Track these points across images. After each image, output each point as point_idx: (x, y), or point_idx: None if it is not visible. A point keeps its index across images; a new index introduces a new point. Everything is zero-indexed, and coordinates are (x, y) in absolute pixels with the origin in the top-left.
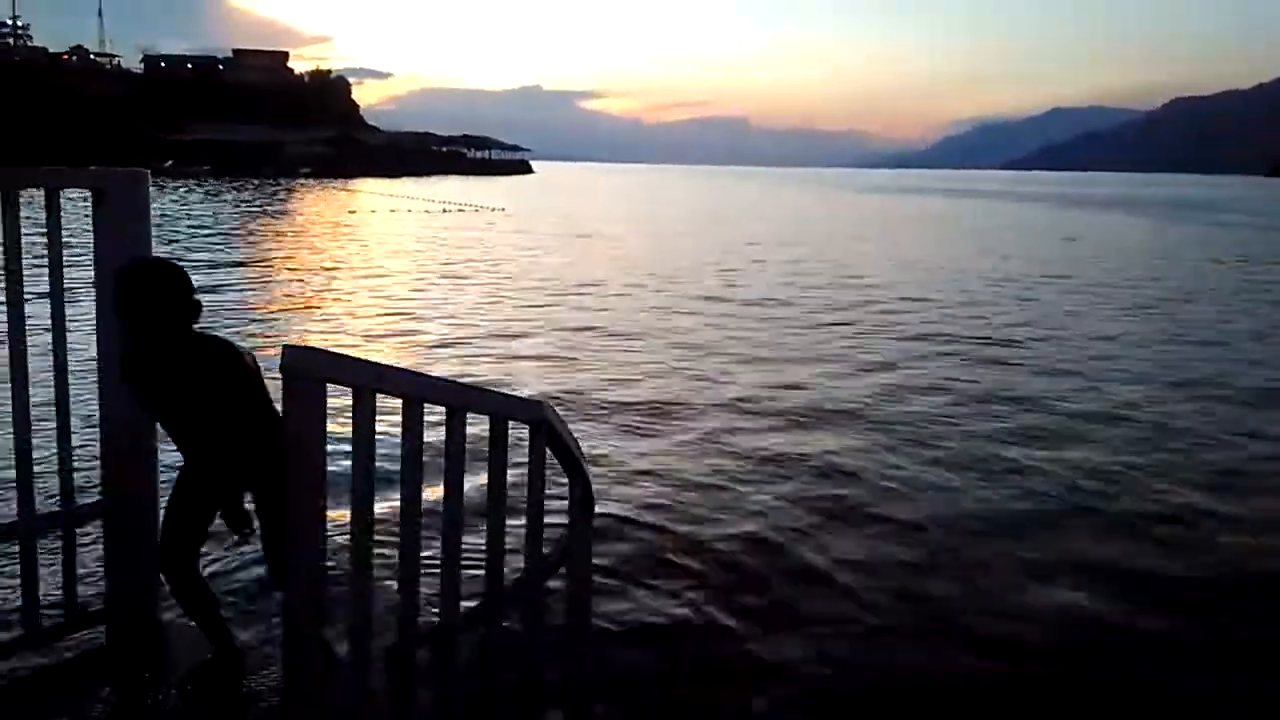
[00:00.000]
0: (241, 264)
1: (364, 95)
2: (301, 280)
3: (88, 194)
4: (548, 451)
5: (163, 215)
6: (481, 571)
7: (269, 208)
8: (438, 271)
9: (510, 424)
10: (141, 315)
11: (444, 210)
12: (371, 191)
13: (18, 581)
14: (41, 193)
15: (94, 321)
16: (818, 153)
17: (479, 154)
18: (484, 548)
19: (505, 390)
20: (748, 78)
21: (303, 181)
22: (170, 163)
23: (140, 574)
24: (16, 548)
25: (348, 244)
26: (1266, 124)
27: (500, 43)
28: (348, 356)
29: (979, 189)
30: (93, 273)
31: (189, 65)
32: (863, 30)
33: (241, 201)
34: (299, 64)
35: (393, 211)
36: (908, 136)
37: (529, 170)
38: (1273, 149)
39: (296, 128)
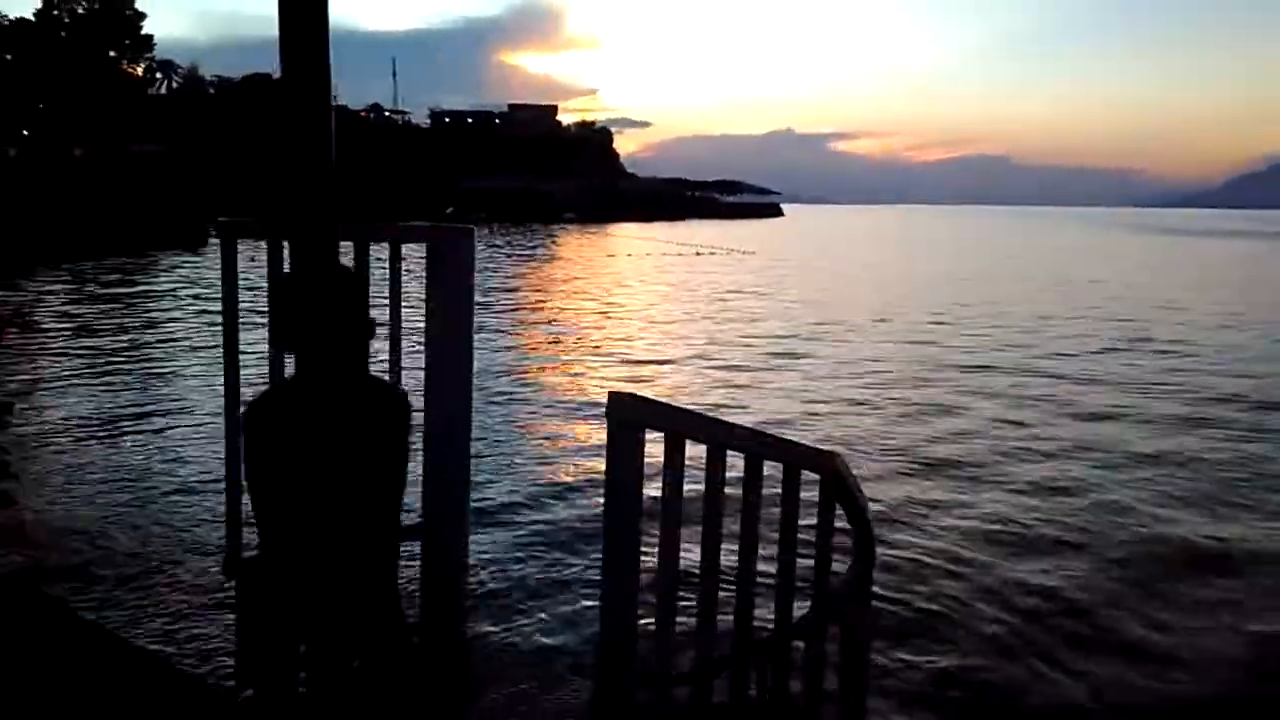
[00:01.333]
0: (516, 301)
1: (624, 144)
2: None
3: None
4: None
5: None
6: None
7: (538, 251)
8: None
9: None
10: (304, 338)
11: (696, 253)
12: (628, 235)
13: None
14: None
15: (423, 354)
16: (1084, 191)
17: (730, 198)
18: (771, 586)
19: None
20: (1008, 114)
21: (565, 227)
22: (451, 210)
23: (450, 591)
24: None
25: (615, 285)
26: None
27: (753, 89)
28: (664, 404)
29: None
30: (424, 314)
31: (469, 120)
32: (1135, 63)
33: (514, 244)
34: (566, 116)
35: (648, 255)
36: (1191, 174)
37: (779, 213)
38: None
39: (562, 176)
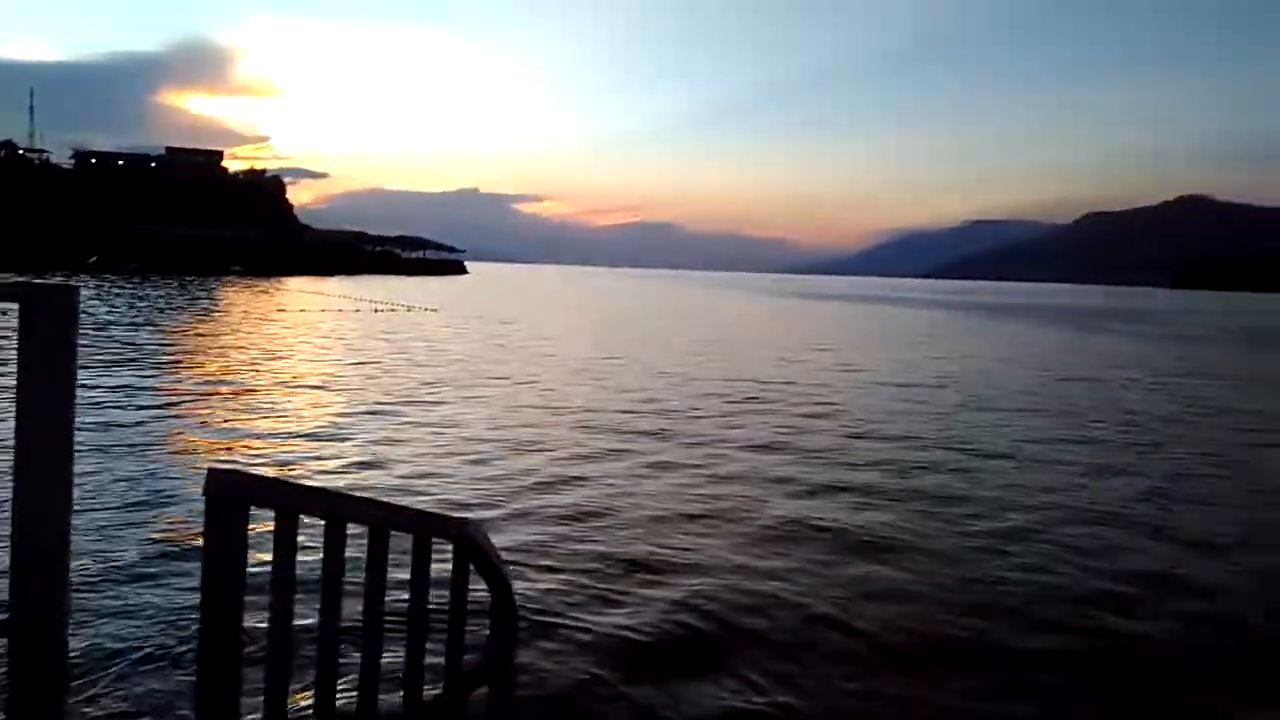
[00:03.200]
0: (155, 365)
1: (299, 195)
2: (234, 383)
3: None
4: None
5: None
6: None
7: (194, 306)
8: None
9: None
10: None
11: (375, 310)
12: (302, 290)
13: None
14: None
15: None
16: (747, 258)
17: (414, 254)
18: (403, 662)
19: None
20: (680, 184)
21: (232, 280)
22: (94, 259)
23: (44, 702)
24: None
25: (280, 344)
26: (1170, 238)
27: (439, 147)
28: (271, 479)
29: (919, 298)
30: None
31: (120, 162)
32: (785, 142)
33: (165, 299)
34: (235, 163)
35: (323, 310)
36: (835, 244)
37: (463, 270)
38: (1176, 263)
39: (229, 226)
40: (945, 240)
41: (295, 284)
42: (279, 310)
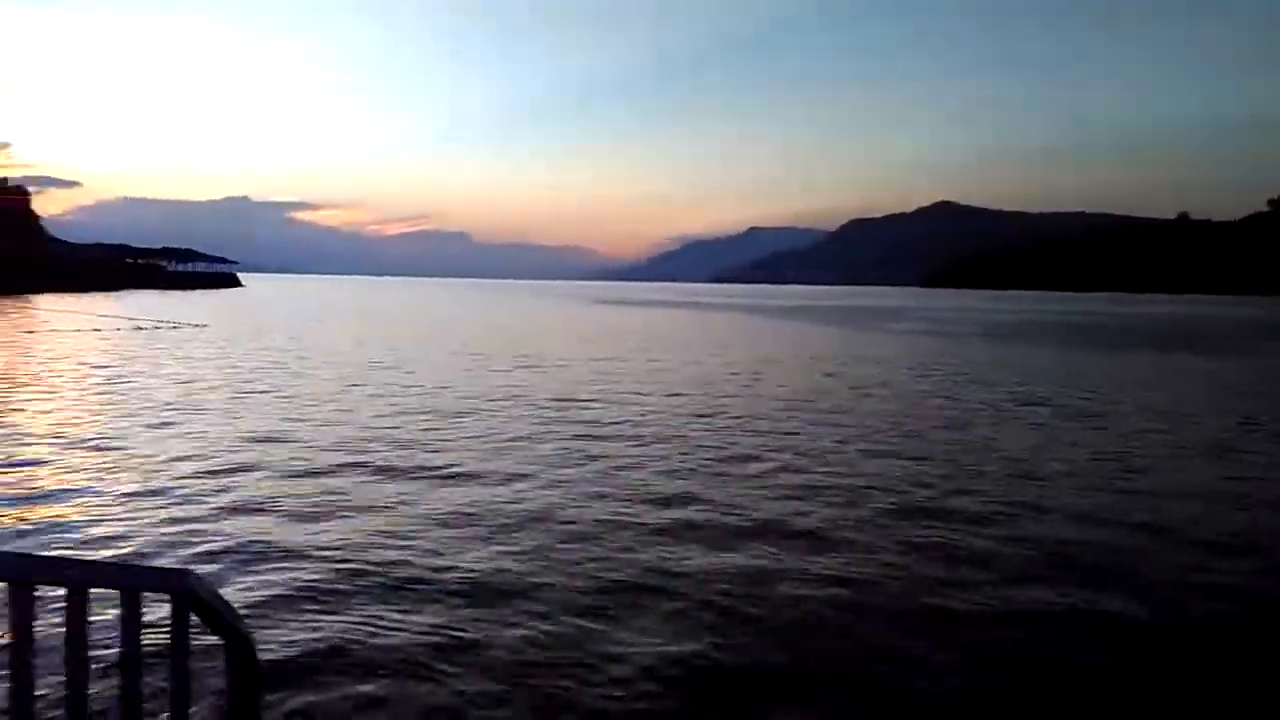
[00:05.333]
0: None
1: (46, 205)
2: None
3: None
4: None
5: None
6: None
7: None
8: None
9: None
10: None
11: (138, 328)
12: (53, 309)
13: None
14: None
15: None
16: (540, 266)
17: (182, 267)
18: None
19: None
20: (471, 192)
21: None
22: None
23: None
24: None
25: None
26: (923, 242)
27: (205, 151)
28: None
29: (718, 303)
30: None
31: None
32: (579, 150)
33: None
34: None
35: (79, 331)
36: (624, 252)
37: (236, 283)
38: (926, 264)
39: None
40: (727, 247)
41: (44, 303)
42: (29, 333)
